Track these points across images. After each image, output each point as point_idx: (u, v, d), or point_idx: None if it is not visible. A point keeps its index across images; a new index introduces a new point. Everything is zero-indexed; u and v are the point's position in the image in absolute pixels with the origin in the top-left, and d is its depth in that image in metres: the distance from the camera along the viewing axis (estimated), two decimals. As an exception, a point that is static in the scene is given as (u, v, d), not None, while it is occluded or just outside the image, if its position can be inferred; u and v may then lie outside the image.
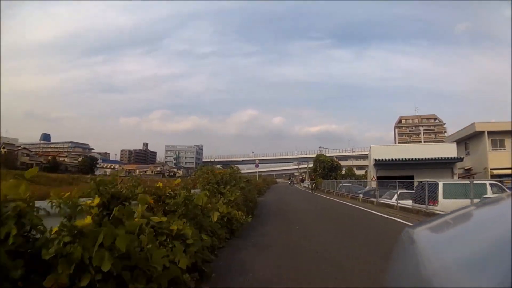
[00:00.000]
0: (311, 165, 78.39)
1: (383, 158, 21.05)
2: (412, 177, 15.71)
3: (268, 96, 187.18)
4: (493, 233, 0.57)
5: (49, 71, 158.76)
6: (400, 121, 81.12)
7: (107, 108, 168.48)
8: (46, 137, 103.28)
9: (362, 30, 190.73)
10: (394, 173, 18.44)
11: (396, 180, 13.01)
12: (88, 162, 71.59)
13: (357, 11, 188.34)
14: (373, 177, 20.70)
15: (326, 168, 34.18)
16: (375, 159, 21.29)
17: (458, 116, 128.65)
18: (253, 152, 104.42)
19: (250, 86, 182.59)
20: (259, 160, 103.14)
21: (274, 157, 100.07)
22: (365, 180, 24.78)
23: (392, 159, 20.72)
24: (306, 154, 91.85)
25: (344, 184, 22.07)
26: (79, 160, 74.60)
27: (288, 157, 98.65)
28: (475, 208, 0.93)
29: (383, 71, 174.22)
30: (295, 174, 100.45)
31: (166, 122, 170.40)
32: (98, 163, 76.46)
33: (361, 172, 55.54)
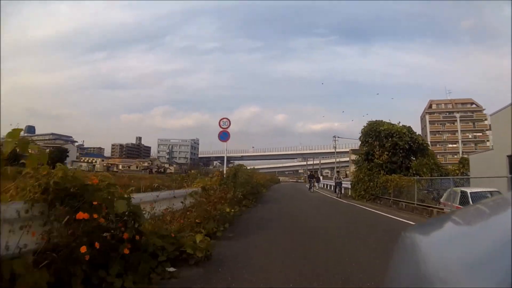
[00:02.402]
0: (324, 161, 77.42)
1: None
2: None
3: (271, 92, 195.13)
4: (493, 233, 0.61)
5: (51, 68, 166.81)
6: (430, 106, 69.90)
7: (109, 105, 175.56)
8: (30, 129, 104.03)
9: (367, 27, 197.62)
10: None
11: None
12: (55, 154, 64.17)
13: (362, 7, 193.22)
14: None
15: (400, 150, 16.73)
16: None
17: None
18: (253, 147, 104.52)
19: (253, 83, 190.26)
20: (260, 155, 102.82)
21: (276, 153, 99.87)
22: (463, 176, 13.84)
23: None
24: (312, 149, 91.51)
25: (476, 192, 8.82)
26: (46, 152, 70.65)
27: (292, 152, 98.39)
28: (475, 208, 0.97)
29: (388, 68, 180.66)
30: (299, 171, 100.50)
31: (167, 119, 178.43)
32: (68, 155, 71.92)
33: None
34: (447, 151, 63.36)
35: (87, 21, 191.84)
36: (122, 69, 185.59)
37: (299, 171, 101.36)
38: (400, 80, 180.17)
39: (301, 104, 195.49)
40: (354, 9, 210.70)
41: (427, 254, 0.65)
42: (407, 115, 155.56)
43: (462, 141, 63.97)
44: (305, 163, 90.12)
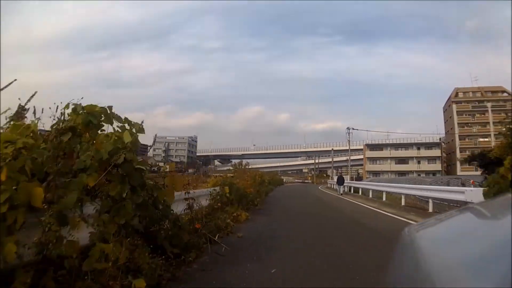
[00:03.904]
0: (330, 159, 75.63)
1: None
2: None
3: (274, 92, 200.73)
4: (493, 233, 0.63)
5: (54, 66, 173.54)
6: (456, 94, 64.09)
7: (113, 104, 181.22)
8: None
9: (371, 27, 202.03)
10: None
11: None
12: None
13: (366, 7, 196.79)
14: None
15: None
16: None
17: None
18: (254, 145, 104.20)
19: (257, 82, 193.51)
20: (261, 154, 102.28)
21: (279, 151, 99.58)
22: None
23: None
24: (316, 147, 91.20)
25: None
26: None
27: (296, 150, 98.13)
28: (475, 208, 1.00)
29: (391, 68, 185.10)
30: (304, 170, 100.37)
31: (170, 118, 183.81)
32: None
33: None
34: (478, 146, 53.28)
35: (91, 20, 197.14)
36: (125, 67, 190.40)
37: (303, 170, 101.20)
38: (401, 80, 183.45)
39: (305, 104, 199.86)
40: (360, 9, 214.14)
41: (427, 254, 0.67)
42: (410, 115, 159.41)
43: (494, 135, 52.60)
44: (310, 161, 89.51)
